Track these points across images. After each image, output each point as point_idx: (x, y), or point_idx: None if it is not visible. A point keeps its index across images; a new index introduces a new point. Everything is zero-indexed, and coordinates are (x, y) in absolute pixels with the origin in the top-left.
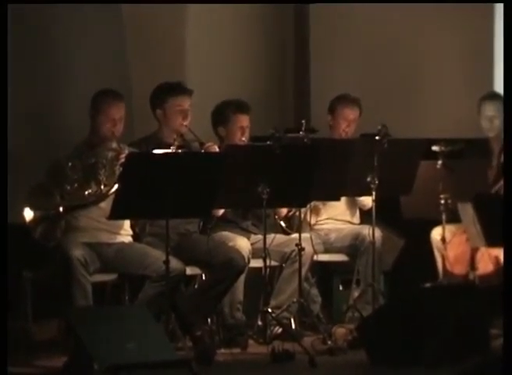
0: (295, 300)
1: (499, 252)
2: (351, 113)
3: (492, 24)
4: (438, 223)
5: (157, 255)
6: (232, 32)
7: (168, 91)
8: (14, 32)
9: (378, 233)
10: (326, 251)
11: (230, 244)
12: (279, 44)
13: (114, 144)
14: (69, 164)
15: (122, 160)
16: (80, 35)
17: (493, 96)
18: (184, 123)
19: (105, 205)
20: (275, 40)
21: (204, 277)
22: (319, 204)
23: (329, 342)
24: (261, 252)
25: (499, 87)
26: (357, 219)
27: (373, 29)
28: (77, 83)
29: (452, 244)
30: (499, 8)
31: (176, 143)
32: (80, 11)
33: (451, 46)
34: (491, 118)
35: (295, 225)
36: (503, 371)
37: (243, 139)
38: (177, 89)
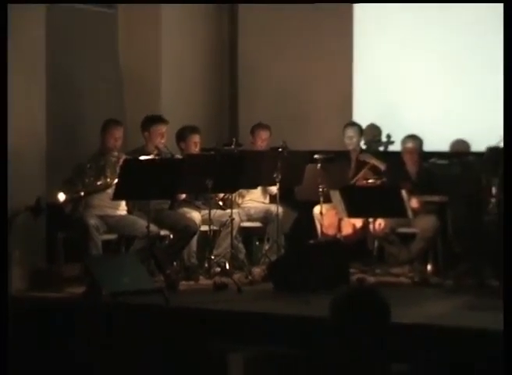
0: (229, 251)
1: (355, 221)
2: (264, 134)
3: (351, 69)
4: (317, 203)
5: (142, 223)
6: (194, 82)
7: (153, 120)
8: (53, 70)
9: (280, 209)
10: (248, 220)
11: (188, 215)
12: (217, 88)
13: (116, 153)
14: (88, 165)
15: (121, 163)
16: (93, 85)
17: (352, 124)
18: (162, 141)
19: (110, 191)
20: (215, 86)
21: (171, 237)
22: (244, 191)
23: (250, 277)
24: (207, 221)
25: (356, 116)
26: (267, 200)
27: (279, 82)
28: (91, 113)
29: (326, 216)
30: (358, 54)
31: (155, 153)
32: (95, 67)
33: (327, 91)
34: (351, 137)
35: (228, 204)
36: (503, 371)
37: (196, 150)
38: (158, 119)
